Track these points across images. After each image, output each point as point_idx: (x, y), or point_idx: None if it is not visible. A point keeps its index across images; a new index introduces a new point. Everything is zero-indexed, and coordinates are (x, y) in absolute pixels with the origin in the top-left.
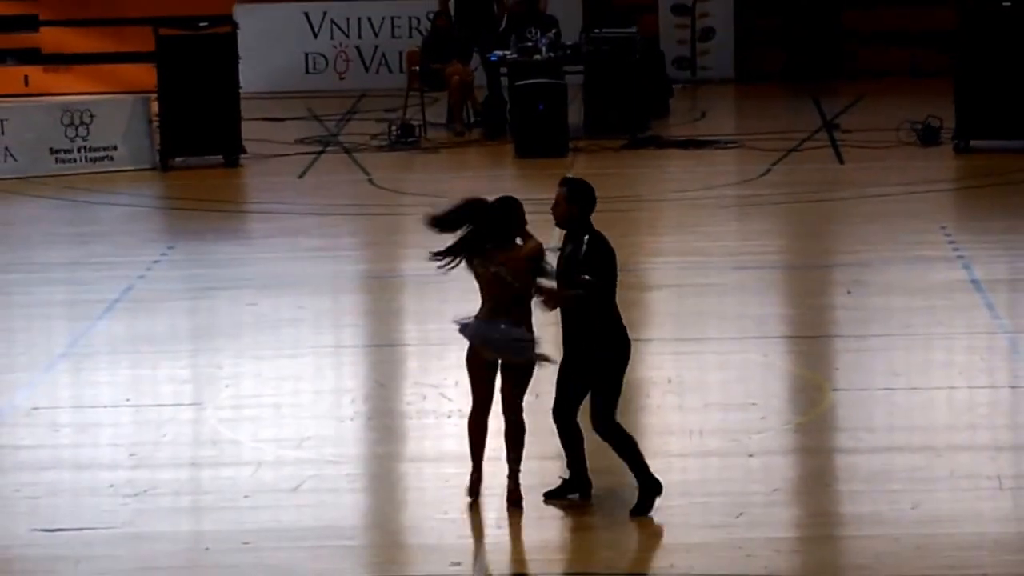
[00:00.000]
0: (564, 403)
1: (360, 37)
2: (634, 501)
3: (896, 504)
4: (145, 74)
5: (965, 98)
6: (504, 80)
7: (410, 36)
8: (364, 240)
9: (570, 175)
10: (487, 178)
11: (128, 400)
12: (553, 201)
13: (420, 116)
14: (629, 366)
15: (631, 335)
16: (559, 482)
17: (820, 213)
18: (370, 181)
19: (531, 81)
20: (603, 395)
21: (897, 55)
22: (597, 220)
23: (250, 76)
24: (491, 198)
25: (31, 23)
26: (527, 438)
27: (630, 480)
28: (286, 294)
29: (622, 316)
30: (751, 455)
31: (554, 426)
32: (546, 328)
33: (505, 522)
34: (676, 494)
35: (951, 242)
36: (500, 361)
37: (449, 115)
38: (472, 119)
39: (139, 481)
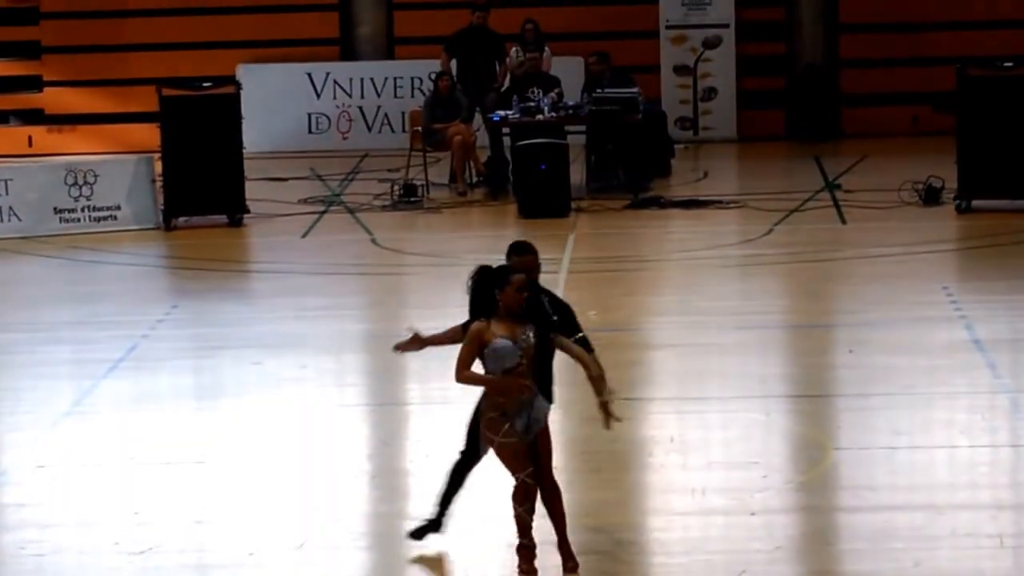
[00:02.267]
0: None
1: (363, 97)
2: (634, 560)
3: (898, 562)
4: (148, 134)
5: (967, 158)
6: (506, 140)
7: (412, 96)
8: (367, 300)
9: (519, 239)
10: (490, 238)
11: (132, 458)
12: (530, 268)
13: (423, 176)
14: (632, 425)
15: (635, 394)
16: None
17: (822, 273)
18: (373, 241)
19: (533, 141)
20: None
21: (898, 114)
22: (602, 279)
23: (253, 136)
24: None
25: (35, 83)
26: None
27: (631, 537)
28: (289, 353)
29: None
30: (753, 513)
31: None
32: None
33: None
34: (678, 552)
35: (953, 302)
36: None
37: (451, 175)
38: (474, 179)
39: (143, 539)
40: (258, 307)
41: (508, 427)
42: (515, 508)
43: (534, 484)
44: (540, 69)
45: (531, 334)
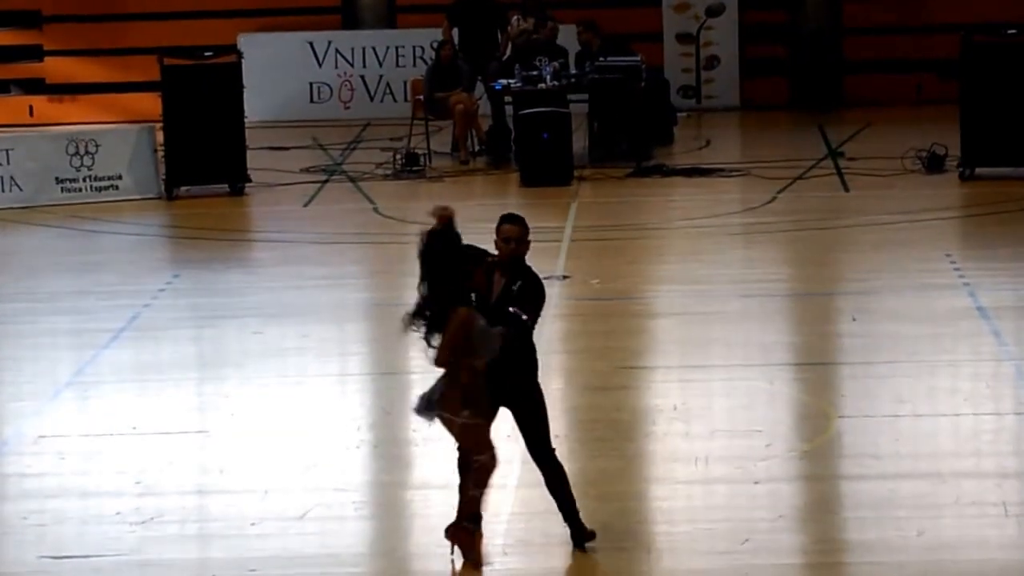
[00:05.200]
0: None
1: (364, 66)
2: (637, 528)
3: (902, 531)
4: (150, 103)
5: (970, 125)
6: (508, 109)
7: (414, 65)
8: (369, 269)
9: (509, 212)
10: (492, 207)
11: (134, 428)
12: (505, 236)
13: (425, 145)
14: (635, 394)
15: (638, 363)
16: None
17: (825, 241)
18: (375, 210)
19: (535, 110)
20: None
21: (901, 82)
22: (604, 248)
23: (255, 105)
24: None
25: (36, 53)
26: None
27: (634, 506)
28: (291, 322)
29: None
30: (756, 482)
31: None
32: None
33: (512, 549)
34: (681, 521)
35: (956, 269)
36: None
37: (454, 144)
38: (477, 148)
39: (145, 509)
40: (260, 276)
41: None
42: (475, 490)
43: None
44: (551, 38)
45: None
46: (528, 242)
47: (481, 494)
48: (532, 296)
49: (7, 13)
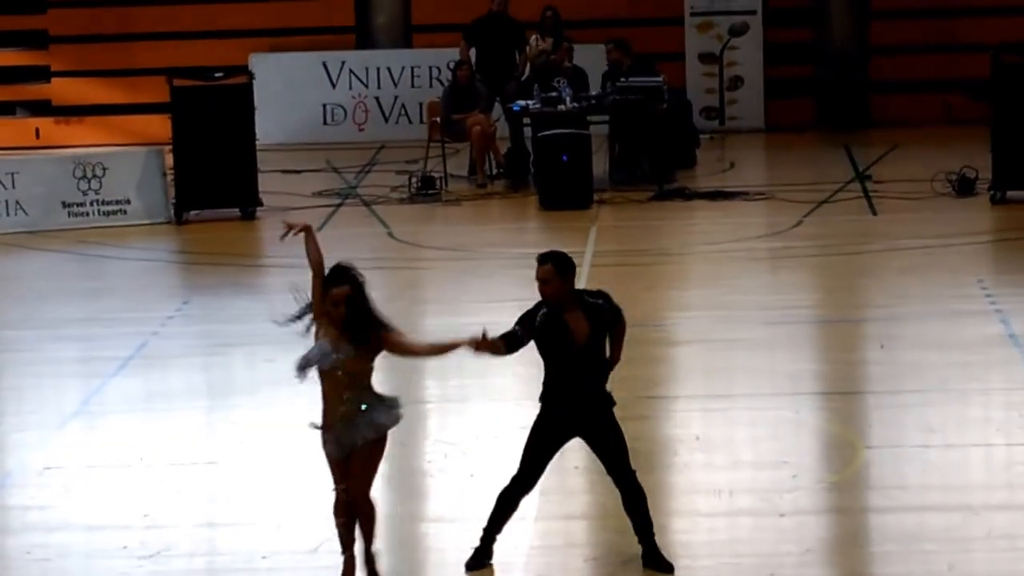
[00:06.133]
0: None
1: (379, 87)
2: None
3: (931, 565)
4: (159, 126)
5: (1002, 147)
6: (527, 131)
7: (430, 86)
8: (383, 295)
9: (544, 250)
10: (510, 231)
11: (142, 459)
12: (540, 278)
13: (441, 168)
14: (656, 424)
15: (659, 392)
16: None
17: (852, 266)
18: (390, 234)
19: (555, 132)
20: None
21: (929, 103)
22: (625, 273)
23: (267, 127)
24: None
25: (42, 74)
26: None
27: (660, 539)
28: (303, 350)
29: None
30: (782, 515)
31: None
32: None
33: None
34: (704, 555)
35: (988, 295)
36: None
37: (471, 167)
38: (494, 171)
39: (152, 542)
40: (271, 302)
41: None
42: (335, 521)
43: (344, 498)
44: (562, 63)
45: (350, 350)
46: (568, 277)
47: (337, 524)
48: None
49: (13, 33)
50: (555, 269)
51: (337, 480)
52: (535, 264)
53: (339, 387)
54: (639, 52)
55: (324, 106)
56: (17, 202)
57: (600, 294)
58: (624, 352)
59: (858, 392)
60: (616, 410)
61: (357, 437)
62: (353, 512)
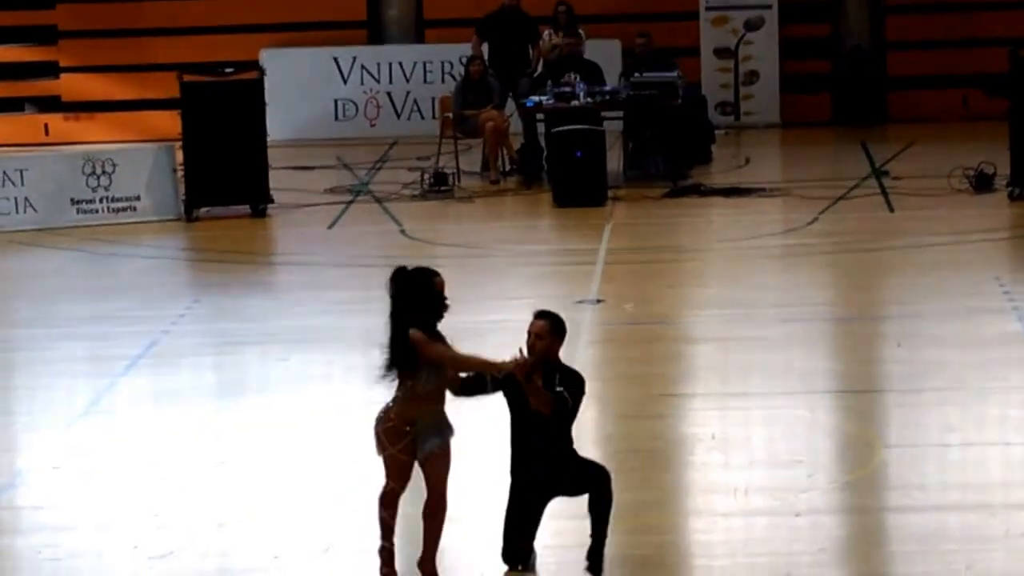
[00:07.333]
0: None
1: (391, 83)
2: (675, 562)
3: (949, 565)
4: (169, 122)
5: (1020, 143)
6: (540, 126)
7: (443, 82)
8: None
9: (542, 309)
10: (523, 228)
11: (152, 459)
12: (537, 333)
13: (454, 164)
14: (672, 422)
15: (675, 390)
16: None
17: (869, 263)
18: (402, 231)
19: (568, 127)
20: None
21: (947, 98)
22: (639, 271)
23: (277, 123)
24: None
25: (51, 70)
26: None
27: (671, 539)
28: (316, 349)
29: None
30: (798, 514)
31: None
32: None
33: None
34: (720, 555)
35: (1006, 293)
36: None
37: (483, 163)
38: (507, 167)
39: (164, 542)
40: (283, 301)
41: (407, 443)
42: (380, 511)
43: (399, 493)
44: (577, 52)
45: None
46: (560, 339)
47: (386, 515)
48: (576, 390)
49: (21, 29)
50: (551, 328)
51: (394, 478)
52: (532, 319)
53: (440, 398)
54: (656, 47)
55: (336, 102)
56: (26, 199)
57: (574, 377)
58: (640, 350)
59: (875, 391)
60: (633, 408)
61: (434, 445)
62: (396, 504)
